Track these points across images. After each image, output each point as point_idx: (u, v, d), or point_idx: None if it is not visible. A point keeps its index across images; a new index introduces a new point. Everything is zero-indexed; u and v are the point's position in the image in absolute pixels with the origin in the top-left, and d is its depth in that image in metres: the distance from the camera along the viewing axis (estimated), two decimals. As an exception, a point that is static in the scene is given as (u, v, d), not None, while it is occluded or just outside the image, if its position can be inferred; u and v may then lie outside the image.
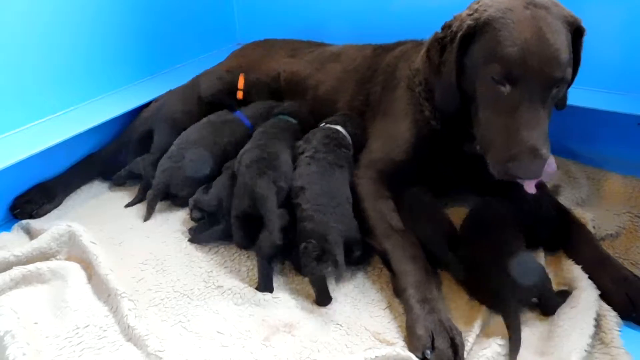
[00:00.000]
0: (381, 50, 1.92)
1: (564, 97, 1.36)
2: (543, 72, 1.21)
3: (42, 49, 1.76)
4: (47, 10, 1.75)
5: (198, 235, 1.55)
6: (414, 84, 1.59)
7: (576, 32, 1.30)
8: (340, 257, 1.31)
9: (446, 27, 1.43)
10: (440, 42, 1.42)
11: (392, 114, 1.65)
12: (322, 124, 1.75)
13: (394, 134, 1.60)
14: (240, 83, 2.06)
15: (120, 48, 2.08)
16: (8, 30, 1.64)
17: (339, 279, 1.38)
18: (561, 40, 1.23)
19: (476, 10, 1.32)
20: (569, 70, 1.26)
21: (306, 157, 1.57)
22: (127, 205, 1.75)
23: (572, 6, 1.79)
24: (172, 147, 1.75)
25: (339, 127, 1.71)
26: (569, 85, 1.36)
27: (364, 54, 1.96)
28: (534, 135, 1.19)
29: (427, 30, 1.77)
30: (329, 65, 2.02)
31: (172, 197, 1.73)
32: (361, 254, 1.41)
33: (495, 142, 1.26)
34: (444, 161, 1.56)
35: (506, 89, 1.24)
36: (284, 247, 1.39)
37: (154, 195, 1.68)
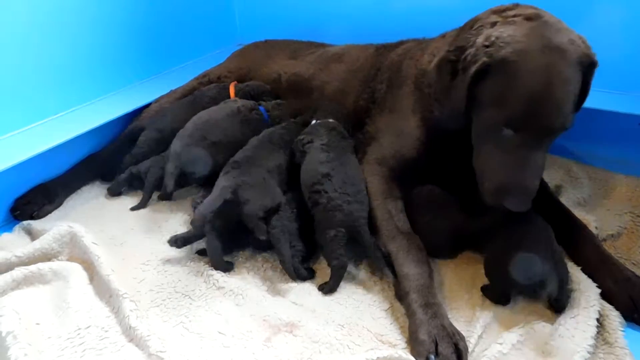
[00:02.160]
0: (384, 49, 1.92)
1: (572, 121, 1.38)
2: (546, 124, 1.25)
3: (42, 50, 1.76)
4: (48, 10, 1.76)
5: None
6: (422, 84, 1.58)
7: (589, 67, 1.29)
8: (371, 241, 1.39)
9: (459, 49, 1.38)
10: (453, 65, 1.39)
11: (399, 111, 1.65)
12: (314, 121, 1.76)
13: (402, 131, 1.60)
14: (231, 93, 2.03)
15: (121, 49, 2.08)
16: (8, 31, 1.64)
17: (378, 258, 1.38)
18: (569, 92, 1.24)
19: (492, 44, 1.28)
20: (571, 117, 1.28)
21: (321, 145, 1.58)
22: (134, 209, 1.73)
23: (575, 6, 1.79)
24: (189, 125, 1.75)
25: (334, 121, 1.74)
26: (577, 111, 1.36)
27: (366, 54, 1.96)
28: (528, 175, 1.27)
29: (427, 31, 1.77)
30: (332, 65, 2.01)
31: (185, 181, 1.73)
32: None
33: (492, 175, 1.32)
34: (453, 160, 1.55)
35: (508, 132, 1.27)
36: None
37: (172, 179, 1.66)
